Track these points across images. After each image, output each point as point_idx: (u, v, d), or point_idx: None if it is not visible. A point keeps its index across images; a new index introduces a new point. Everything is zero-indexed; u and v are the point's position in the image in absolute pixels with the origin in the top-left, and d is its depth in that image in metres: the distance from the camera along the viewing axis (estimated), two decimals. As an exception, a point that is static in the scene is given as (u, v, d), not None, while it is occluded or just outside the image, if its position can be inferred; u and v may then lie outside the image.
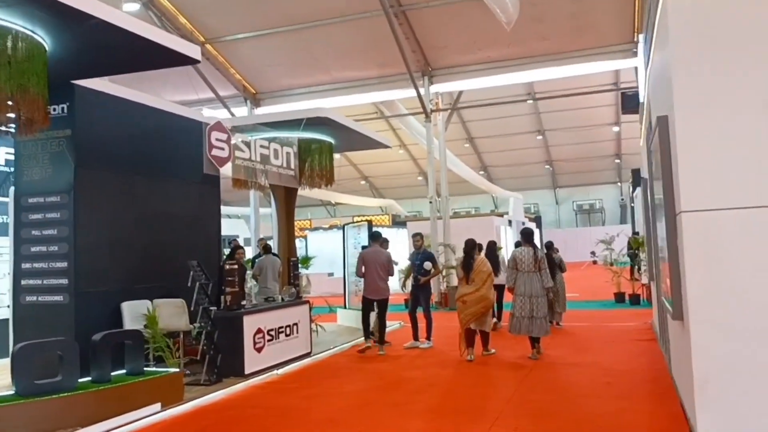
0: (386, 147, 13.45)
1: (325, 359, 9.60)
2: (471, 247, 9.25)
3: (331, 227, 28.49)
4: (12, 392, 5.71)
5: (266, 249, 11.15)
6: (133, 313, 8.39)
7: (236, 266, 8.11)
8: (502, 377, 8.08)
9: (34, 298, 8.12)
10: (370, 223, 12.92)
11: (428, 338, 10.24)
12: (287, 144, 11.21)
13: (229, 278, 8.07)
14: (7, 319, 8.41)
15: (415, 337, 10.29)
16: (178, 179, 9.81)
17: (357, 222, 15.33)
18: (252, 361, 8.06)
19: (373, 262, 9.87)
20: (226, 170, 10.78)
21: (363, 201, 36.56)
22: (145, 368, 6.67)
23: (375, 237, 10.41)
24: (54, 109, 8.14)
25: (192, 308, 7.74)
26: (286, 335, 8.94)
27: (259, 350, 8.26)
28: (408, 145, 36.87)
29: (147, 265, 9.02)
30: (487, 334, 9.23)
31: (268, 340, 8.48)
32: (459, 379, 8.04)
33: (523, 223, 28.45)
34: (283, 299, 9.24)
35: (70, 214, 8.01)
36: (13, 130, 6.94)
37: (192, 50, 7.34)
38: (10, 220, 8.43)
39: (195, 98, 18.12)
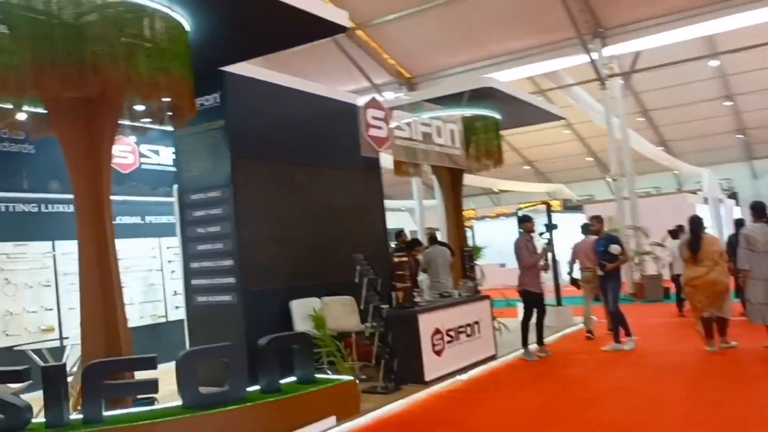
0: (560, 118, 11.98)
1: (513, 362, 8.39)
2: (698, 223, 7.94)
3: (497, 216, 27.08)
4: (178, 403, 5.16)
5: (432, 239, 10.16)
6: (303, 312, 7.76)
7: (406, 259, 7.17)
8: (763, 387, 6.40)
9: (205, 299, 7.76)
10: (548, 207, 11.48)
11: (628, 335, 8.67)
12: (451, 120, 10.08)
13: (399, 272, 7.15)
14: (183, 320, 8.15)
15: (616, 339, 8.71)
16: (337, 168, 9.11)
17: (530, 206, 13.94)
18: (432, 365, 7.08)
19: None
20: (387, 163, 9.95)
21: (528, 187, 34.58)
22: (316, 375, 5.91)
23: (524, 220, 8.91)
24: (207, 100, 7.72)
25: (362, 306, 6.91)
26: (467, 335, 7.86)
27: (438, 353, 7.26)
28: (574, 124, 34.35)
29: (312, 261, 8.38)
30: (725, 321, 7.76)
31: (448, 342, 7.45)
32: (696, 392, 6.46)
33: (721, 200, 25.14)
34: (460, 294, 8.18)
35: (231, 210, 7.52)
36: (161, 126, 6.55)
37: (340, 16, 6.49)
38: (176, 218, 8.15)
39: (348, 89, 17.67)
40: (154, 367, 5.00)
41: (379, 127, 7.68)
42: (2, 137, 8.30)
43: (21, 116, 6.61)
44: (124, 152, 9.68)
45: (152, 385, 4.96)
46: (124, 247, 9.14)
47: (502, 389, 7.15)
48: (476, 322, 8.08)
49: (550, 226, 10.13)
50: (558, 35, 15.41)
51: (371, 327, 6.83)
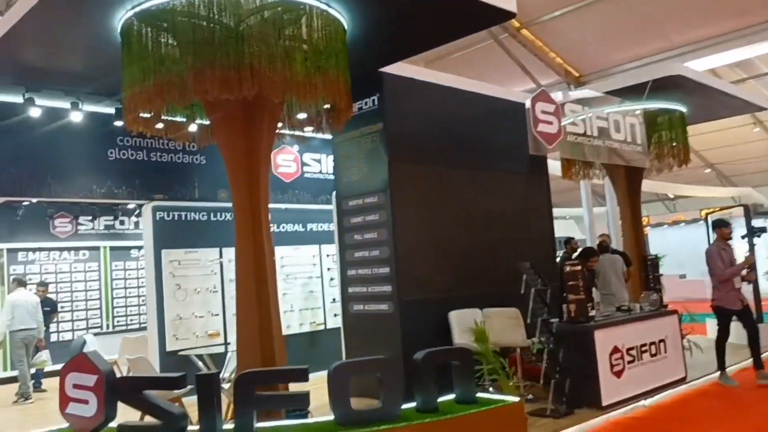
0: (762, 108, 10.40)
1: (706, 387, 7.26)
2: None
3: (675, 222, 24.74)
4: (330, 418, 4.87)
5: (602, 247, 9.18)
6: (462, 324, 7.27)
7: (580, 267, 6.41)
8: None
9: (361, 307, 7.54)
10: (747, 210, 9.98)
11: None
12: (631, 114, 9.04)
13: (572, 283, 6.41)
14: (340, 328, 8.01)
15: None
16: (500, 170, 8.53)
17: (717, 211, 12.33)
18: (610, 388, 6.25)
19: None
20: (552, 170, 9.18)
21: (709, 191, 31.31)
22: (477, 395, 5.37)
23: (720, 225, 7.55)
24: (365, 103, 7.53)
25: (528, 320, 6.27)
26: (651, 355, 6.90)
27: (617, 374, 6.40)
28: (765, 121, 30.66)
29: (472, 269, 7.87)
30: None
31: (629, 362, 6.56)
32: None
33: None
34: (641, 308, 7.23)
35: (388, 215, 7.24)
36: (321, 134, 6.41)
37: (507, 2, 5.92)
38: (335, 224, 8.05)
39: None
40: (306, 379, 4.74)
41: (550, 122, 7.00)
42: (177, 149, 8.72)
43: (192, 128, 6.82)
44: (287, 161, 9.82)
45: (303, 399, 4.70)
46: (285, 254, 9.31)
47: (694, 419, 6.14)
48: (662, 340, 7.08)
49: (755, 230, 8.75)
50: (754, 18, 13.56)
51: (539, 342, 6.17)
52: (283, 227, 9.46)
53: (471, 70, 15.73)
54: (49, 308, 10.00)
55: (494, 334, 6.84)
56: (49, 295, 10.42)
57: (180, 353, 7.59)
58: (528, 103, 6.73)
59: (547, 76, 16.74)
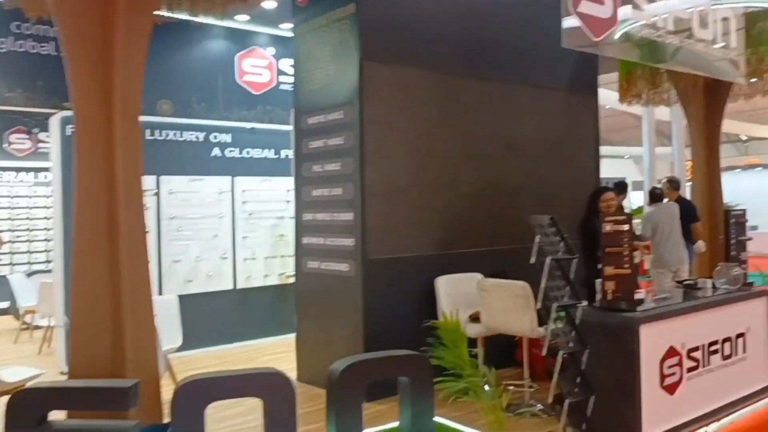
0: None
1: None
2: None
3: (749, 166, 21.64)
4: None
5: (653, 196, 6.87)
6: (454, 295, 5.23)
7: (625, 227, 4.16)
8: None
9: (316, 264, 5.53)
10: None
11: None
12: (725, 5, 6.29)
13: (612, 249, 4.18)
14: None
15: None
16: (529, 83, 6.24)
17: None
18: (658, 410, 4.11)
19: None
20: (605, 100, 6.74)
21: (792, 135, 27.72)
22: (437, 421, 3.34)
23: None
24: (335, -23, 5.28)
25: (538, 303, 4.12)
26: (724, 357, 4.69)
27: (670, 389, 4.25)
28: None
29: (476, 219, 5.75)
30: None
31: (690, 369, 4.39)
32: None
33: None
34: (715, 287, 4.96)
35: (355, 138, 5.11)
36: None
37: None
38: (292, 149, 5.99)
39: None
40: (127, 407, 2.79)
41: (599, 1, 4.56)
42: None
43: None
44: (258, 68, 7.69)
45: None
46: (249, 187, 7.34)
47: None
48: (741, 335, 4.85)
49: None
50: None
51: (553, 338, 4.04)
52: (248, 152, 7.42)
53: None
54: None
55: (492, 316, 4.76)
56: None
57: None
58: None
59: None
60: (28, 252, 10.45)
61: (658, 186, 8.21)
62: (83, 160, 3.55)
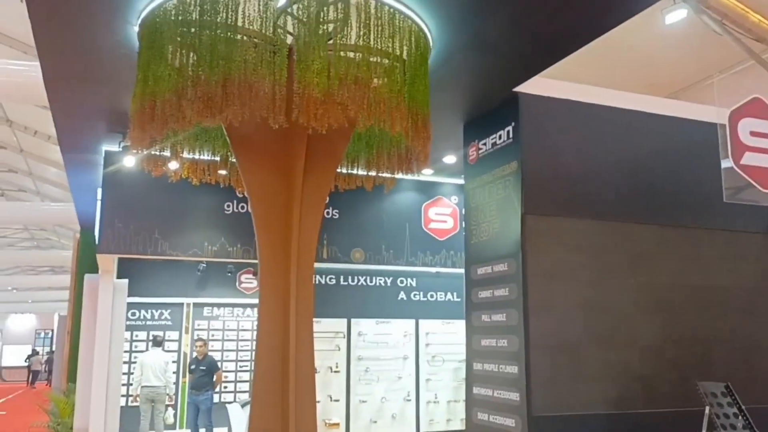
0: None
1: None
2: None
3: None
4: None
5: None
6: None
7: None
8: None
9: (485, 417, 5.48)
10: None
11: None
12: None
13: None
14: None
15: None
16: (717, 228, 5.84)
17: None
18: None
19: None
20: None
21: None
22: None
23: None
24: (500, 136, 5.64)
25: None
26: None
27: None
28: None
29: (657, 377, 5.33)
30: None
31: None
32: None
33: None
34: None
35: (519, 290, 5.18)
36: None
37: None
38: (463, 296, 6.18)
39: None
40: None
41: (766, 150, 4.25)
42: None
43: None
44: (442, 215, 8.16)
45: None
46: (433, 329, 7.60)
47: None
48: None
49: None
50: None
51: None
52: (432, 296, 7.76)
53: (729, 100, 12.43)
54: (205, 367, 9.57)
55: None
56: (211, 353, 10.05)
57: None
58: (721, 119, 4.07)
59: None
60: (249, 382, 11.60)
61: None
62: (265, 304, 4.13)
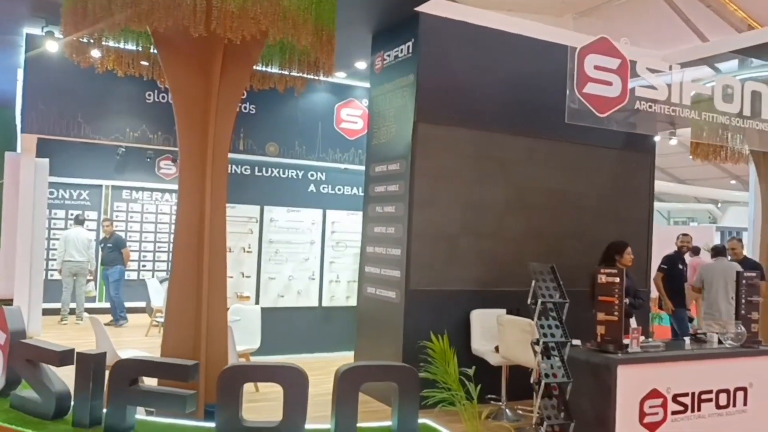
0: None
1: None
2: None
3: None
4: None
5: (715, 251, 7.13)
6: (486, 328, 6.01)
7: (617, 279, 4.79)
8: None
9: (373, 290, 6.53)
10: None
11: None
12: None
13: (605, 297, 4.82)
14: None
15: None
16: (578, 142, 6.87)
17: None
18: (631, 445, 4.66)
19: None
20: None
21: None
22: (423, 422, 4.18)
23: None
24: (401, 50, 6.34)
25: (536, 340, 4.82)
26: (719, 406, 5.09)
27: (651, 427, 4.76)
28: None
29: (515, 261, 6.45)
30: None
31: (676, 412, 4.87)
32: None
33: None
34: (720, 342, 5.35)
35: (406, 187, 6.08)
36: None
37: None
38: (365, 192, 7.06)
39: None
40: (185, 379, 3.92)
41: (607, 82, 5.22)
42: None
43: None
44: (353, 116, 8.90)
45: (180, 402, 3.90)
46: (338, 218, 8.48)
47: None
48: (741, 389, 5.20)
49: None
50: None
51: (540, 371, 4.72)
52: (339, 189, 8.61)
53: (626, 25, 13.41)
54: (112, 244, 10.21)
55: (506, 348, 5.50)
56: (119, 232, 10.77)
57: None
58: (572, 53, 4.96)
59: (723, 35, 13.79)
60: (167, 261, 12.34)
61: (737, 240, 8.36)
62: (184, 189, 4.81)
